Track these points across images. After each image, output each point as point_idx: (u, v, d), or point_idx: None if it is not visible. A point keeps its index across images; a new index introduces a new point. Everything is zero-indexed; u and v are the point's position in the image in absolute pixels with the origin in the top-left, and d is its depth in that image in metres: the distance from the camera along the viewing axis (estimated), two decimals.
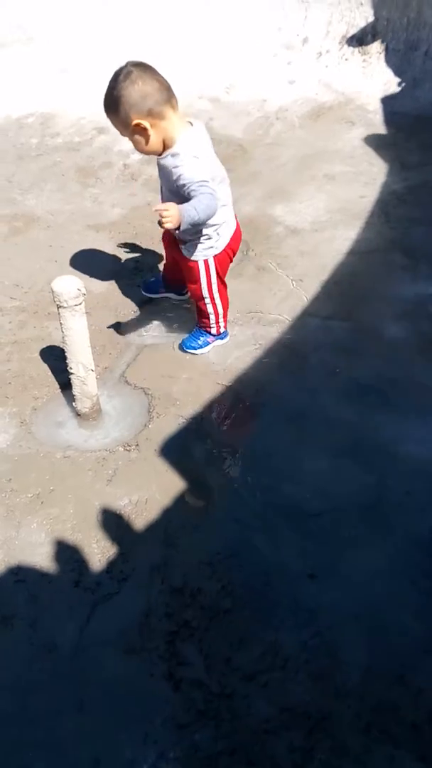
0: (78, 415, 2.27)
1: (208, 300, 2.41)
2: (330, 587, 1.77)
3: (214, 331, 2.50)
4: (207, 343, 2.52)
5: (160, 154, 2.14)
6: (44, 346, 2.56)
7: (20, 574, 1.81)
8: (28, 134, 4.00)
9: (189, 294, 2.48)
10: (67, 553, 1.86)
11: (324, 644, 1.65)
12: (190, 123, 2.15)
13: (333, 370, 2.42)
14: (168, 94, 2.04)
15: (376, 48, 4.42)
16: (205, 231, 2.24)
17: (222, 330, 2.52)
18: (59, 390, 2.39)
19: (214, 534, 1.91)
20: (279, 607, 1.73)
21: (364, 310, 2.69)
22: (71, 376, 2.17)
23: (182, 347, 2.53)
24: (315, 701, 1.54)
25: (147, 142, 2.07)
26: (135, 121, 2.02)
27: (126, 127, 2.05)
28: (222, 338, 2.55)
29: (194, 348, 2.51)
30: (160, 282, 2.77)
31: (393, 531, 1.90)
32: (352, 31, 4.50)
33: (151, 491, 2.03)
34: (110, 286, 2.89)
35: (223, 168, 2.26)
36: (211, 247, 2.30)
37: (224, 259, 2.37)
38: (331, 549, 1.86)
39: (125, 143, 3.92)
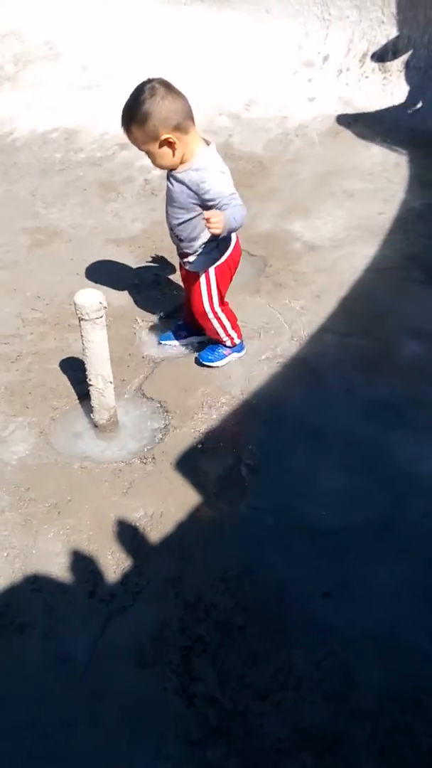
0: (95, 426, 2.29)
1: (210, 314, 2.42)
2: (345, 606, 1.76)
3: (228, 343, 2.52)
4: (223, 356, 2.53)
5: (174, 168, 2.19)
6: (64, 357, 2.59)
7: (37, 583, 1.82)
8: (52, 149, 4.06)
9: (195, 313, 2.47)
10: (82, 564, 1.87)
11: (338, 664, 1.63)
12: (206, 141, 2.21)
13: (350, 387, 2.42)
14: (190, 111, 2.12)
15: (397, 66, 4.44)
16: (208, 243, 2.29)
17: (237, 342, 2.53)
18: (77, 401, 2.41)
19: (229, 549, 1.91)
20: (293, 625, 1.72)
21: (381, 327, 2.69)
22: (90, 388, 2.19)
23: (199, 360, 2.54)
24: (329, 722, 1.53)
25: (174, 154, 2.13)
26: (164, 136, 2.07)
27: (153, 141, 2.09)
28: (238, 351, 2.56)
29: (211, 361, 2.53)
30: (181, 328, 2.69)
31: (409, 551, 1.89)
32: (373, 48, 4.53)
33: (166, 504, 2.03)
34: (130, 300, 2.92)
35: None
36: (214, 259, 2.33)
37: (225, 272, 2.38)
38: (346, 568, 1.85)
39: (147, 159, 3.98)
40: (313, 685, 1.59)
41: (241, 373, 2.50)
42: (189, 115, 2.11)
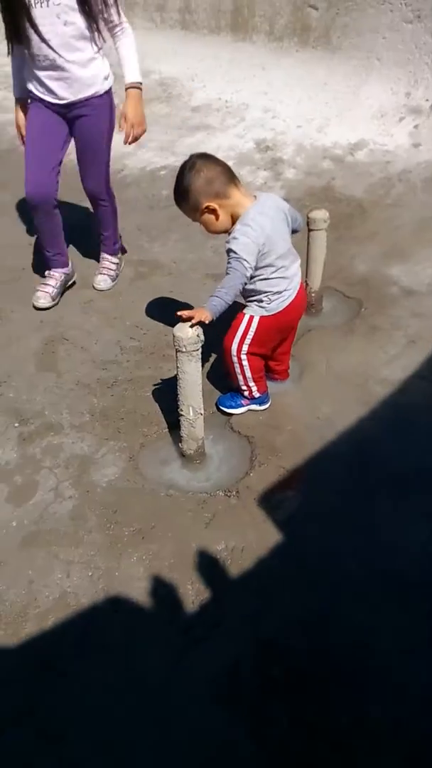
0: (183, 455, 2.34)
1: (235, 358, 2.40)
2: (427, 665, 1.70)
3: (246, 393, 2.49)
4: (241, 405, 2.52)
5: (227, 232, 2.29)
6: (157, 386, 2.67)
7: (118, 605, 1.87)
8: (160, 186, 4.25)
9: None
10: (163, 591, 1.90)
11: (416, 724, 1.58)
12: (255, 197, 2.29)
13: None
14: (230, 175, 2.23)
15: None
16: (256, 296, 2.33)
17: (256, 395, 2.49)
18: (167, 429, 2.48)
19: (308, 593, 1.89)
20: (370, 679, 1.68)
21: None
22: (180, 418, 2.25)
23: (217, 404, 2.55)
24: None
25: (217, 219, 2.24)
26: (205, 204, 2.20)
27: (197, 211, 2.24)
28: (259, 403, 2.52)
29: (227, 407, 2.52)
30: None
31: None
32: None
33: (248, 540, 2.04)
34: (223, 334, 2.98)
35: (289, 241, 2.34)
36: (263, 309, 2.35)
37: (270, 326, 2.37)
38: (429, 624, 1.79)
39: None
40: (390, 743, 1.54)
41: (331, 414, 2.49)
42: (229, 180, 2.21)
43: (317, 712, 1.61)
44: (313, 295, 3.03)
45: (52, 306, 3.17)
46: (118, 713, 1.63)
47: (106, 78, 2.83)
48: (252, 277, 2.27)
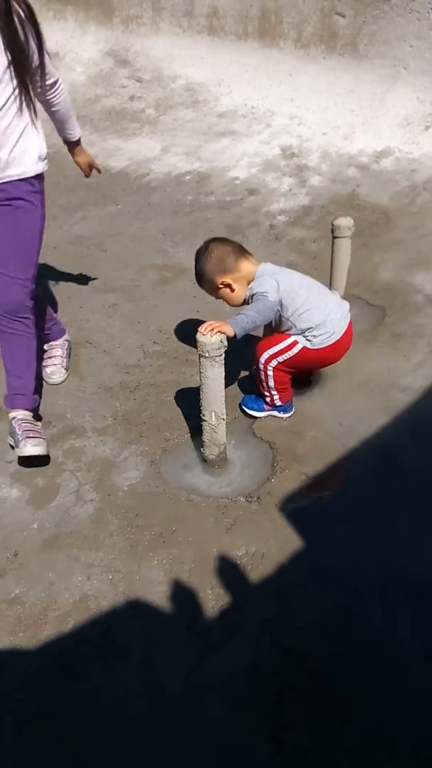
0: (204, 460, 2.35)
1: (261, 366, 2.45)
2: None
3: (268, 400, 2.52)
4: (262, 409, 2.55)
5: (246, 298, 2.44)
6: (179, 391, 2.69)
7: (138, 609, 1.87)
8: (184, 191, 4.27)
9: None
10: (182, 595, 1.91)
11: None
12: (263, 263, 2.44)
13: None
14: (240, 252, 2.41)
15: None
16: (301, 334, 2.38)
17: (277, 403, 2.52)
18: (189, 434, 2.49)
19: (328, 598, 1.88)
20: (389, 684, 1.67)
21: None
22: (203, 423, 2.25)
23: (240, 403, 2.60)
24: None
25: (232, 291, 2.41)
26: (219, 281, 2.38)
27: (215, 289, 2.44)
28: (281, 411, 2.54)
29: (249, 408, 2.57)
30: None
31: None
32: None
33: (268, 545, 2.04)
34: (247, 340, 2.98)
35: (308, 279, 2.44)
36: (308, 341, 2.39)
37: (309, 357, 2.41)
38: None
39: (273, 205, 4.09)
40: (407, 749, 1.53)
41: (353, 421, 2.49)
42: (239, 256, 2.39)
43: (336, 717, 1.61)
44: None
45: (66, 377, 2.82)
46: (136, 717, 1.64)
47: (41, 158, 2.22)
48: (288, 319, 2.36)
